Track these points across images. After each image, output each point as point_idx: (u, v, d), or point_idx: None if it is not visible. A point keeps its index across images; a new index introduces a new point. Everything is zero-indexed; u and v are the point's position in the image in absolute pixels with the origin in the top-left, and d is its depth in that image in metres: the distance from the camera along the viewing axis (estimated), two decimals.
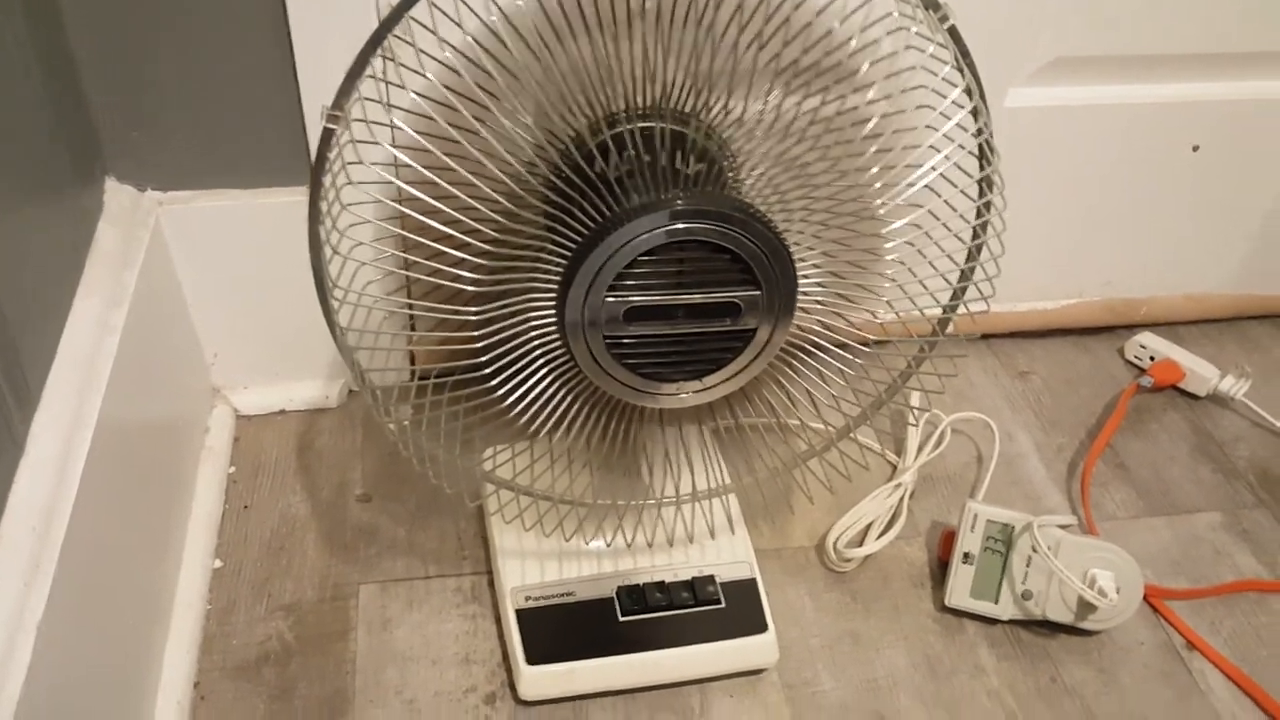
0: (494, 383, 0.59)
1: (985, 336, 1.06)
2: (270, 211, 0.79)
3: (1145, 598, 0.82)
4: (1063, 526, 0.81)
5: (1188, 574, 0.86)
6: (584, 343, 0.56)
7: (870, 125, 0.57)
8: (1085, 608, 0.78)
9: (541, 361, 0.59)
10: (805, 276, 0.60)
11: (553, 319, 0.57)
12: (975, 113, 0.58)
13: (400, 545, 0.83)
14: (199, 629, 0.76)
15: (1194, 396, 1.02)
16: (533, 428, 0.61)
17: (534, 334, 0.58)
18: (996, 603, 0.80)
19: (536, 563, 0.76)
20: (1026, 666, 0.79)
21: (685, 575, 0.77)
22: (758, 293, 0.56)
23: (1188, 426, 0.99)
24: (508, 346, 0.58)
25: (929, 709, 0.76)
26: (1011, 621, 0.81)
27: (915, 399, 0.95)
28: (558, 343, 0.58)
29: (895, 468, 0.92)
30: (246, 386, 0.92)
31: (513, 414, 0.59)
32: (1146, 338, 1.04)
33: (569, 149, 0.57)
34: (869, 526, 0.87)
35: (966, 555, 0.81)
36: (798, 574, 0.84)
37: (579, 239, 0.54)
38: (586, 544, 0.78)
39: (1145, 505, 0.92)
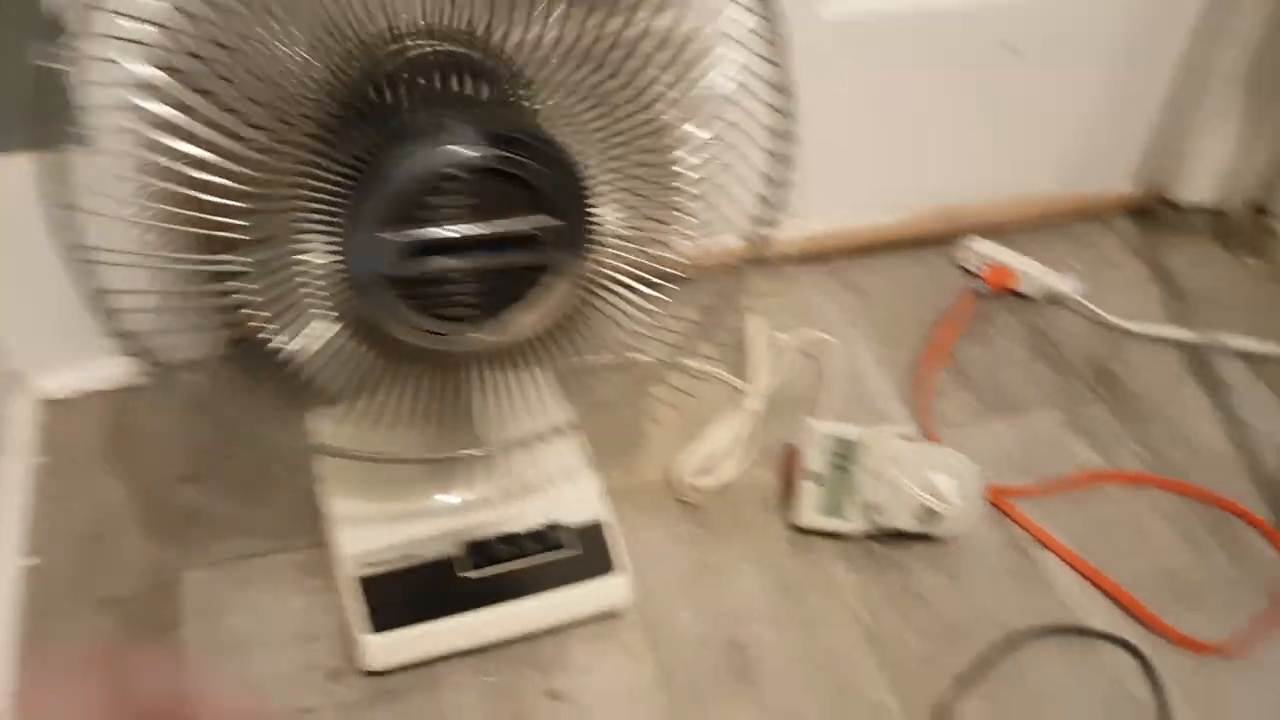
0: (281, 340, 0.54)
1: (822, 256, 1.06)
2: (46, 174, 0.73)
3: (989, 499, 0.84)
4: (903, 437, 0.82)
5: (1030, 472, 0.88)
6: (370, 287, 0.52)
7: (663, 42, 0.54)
8: (930, 515, 0.78)
9: (329, 312, 0.55)
10: (609, 203, 0.58)
11: (335, 263, 0.53)
12: (768, 19, 0.56)
13: (231, 524, 0.79)
14: (14, 632, 0.71)
15: (1028, 298, 1.03)
16: (333, 388, 0.57)
17: (316, 282, 0.54)
18: (845, 518, 0.80)
19: (375, 527, 0.73)
20: (878, 578, 0.79)
21: (532, 524, 0.74)
22: (554, 221, 0.53)
23: (1023, 328, 1.01)
24: (288, 299, 0.54)
25: (784, 631, 0.76)
26: (861, 535, 0.81)
27: (751, 324, 0.94)
28: (344, 289, 0.54)
29: (742, 393, 0.91)
30: (52, 369, 0.86)
31: (306, 375, 0.55)
32: (979, 244, 1.05)
33: (341, 74, 0.52)
34: (719, 455, 0.86)
35: (812, 474, 0.80)
36: (651, 510, 0.83)
37: (355, 173, 0.50)
38: (427, 502, 0.74)
39: (986, 408, 0.93)
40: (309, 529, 0.77)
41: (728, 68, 0.56)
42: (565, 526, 0.75)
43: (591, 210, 0.54)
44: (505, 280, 0.55)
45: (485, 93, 0.55)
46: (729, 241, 0.64)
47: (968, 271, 1.05)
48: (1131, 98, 1.07)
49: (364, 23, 0.54)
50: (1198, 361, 0.98)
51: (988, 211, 1.08)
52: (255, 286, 0.52)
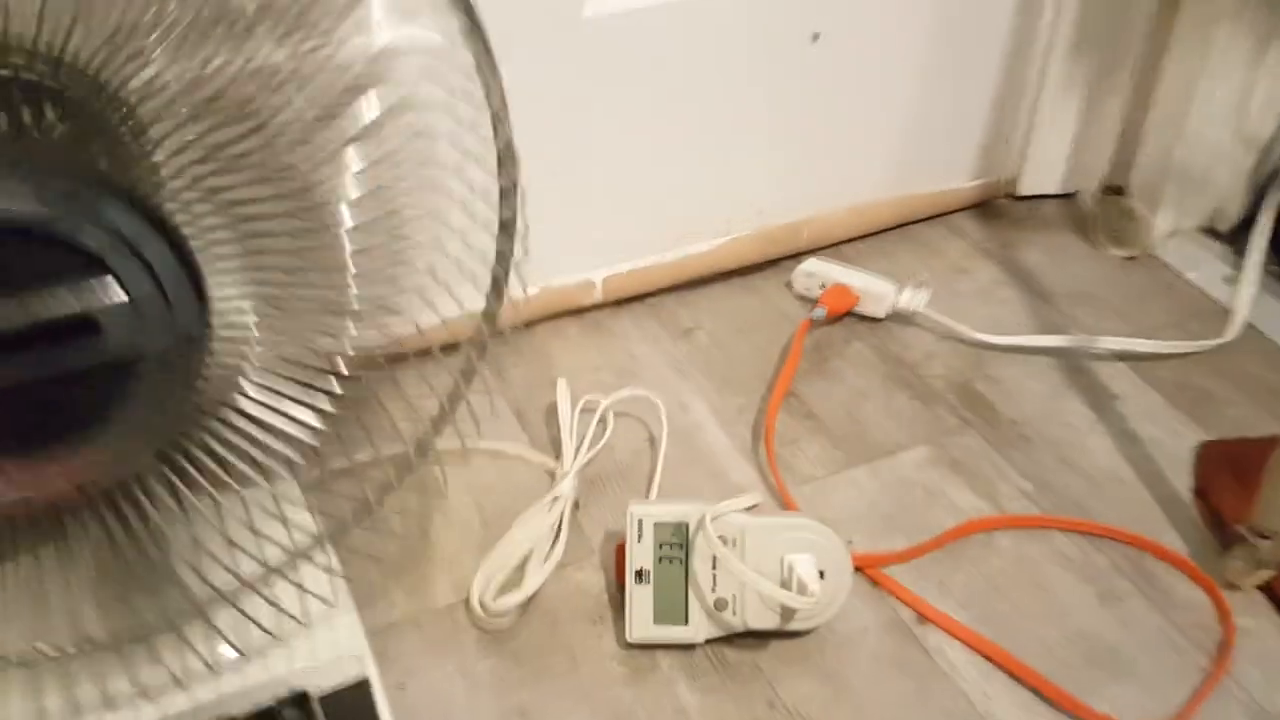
0: None
1: (639, 296, 0.90)
2: None
3: (860, 571, 0.68)
4: (749, 509, 0.65)
5: (904, 528, 0.72)
6: None
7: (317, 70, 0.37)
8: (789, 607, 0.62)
9: None
10: (250, 274, 0.40)
11: None
12: (483, 58, 0.39)
13: None
14: None
15: (874, 319, 0.89)
16: None
17: None
18: (687, 623, 0.63)
19: None
20: (737, 695, 0.63)
21: (263, 700, 0.55)
22: (122, 300, 0.34)
23: (873, 354, 0.86)
24: None
25: None
26: (710, 641, 0.64)
27: (559, 390, 0.77)
28: None
29: (554, 475, 0.74)
30: None
31: None
32: (812, 264, 0.90)
33: None
34: (528, 559, 0.69)
35: (640, 573, 0.63)
36: (443, 645, 0.65)
37: None
38: (110, 692, 0.55)
39: (844, 456, 0.78)
40: None
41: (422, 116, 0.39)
42: (312, 697, 0.56)
43: (201, 282, 0.36)
44: (75, 390, 0.36)
45: (68, 129, 0.37)
46: (458, 310, 0.47)
47: (804, 298, 0.91)
48: (960, 83, 0.94)
49: None
50: (1075, 370, 0.85)
51: (820, 225, 0.94)
52: None
